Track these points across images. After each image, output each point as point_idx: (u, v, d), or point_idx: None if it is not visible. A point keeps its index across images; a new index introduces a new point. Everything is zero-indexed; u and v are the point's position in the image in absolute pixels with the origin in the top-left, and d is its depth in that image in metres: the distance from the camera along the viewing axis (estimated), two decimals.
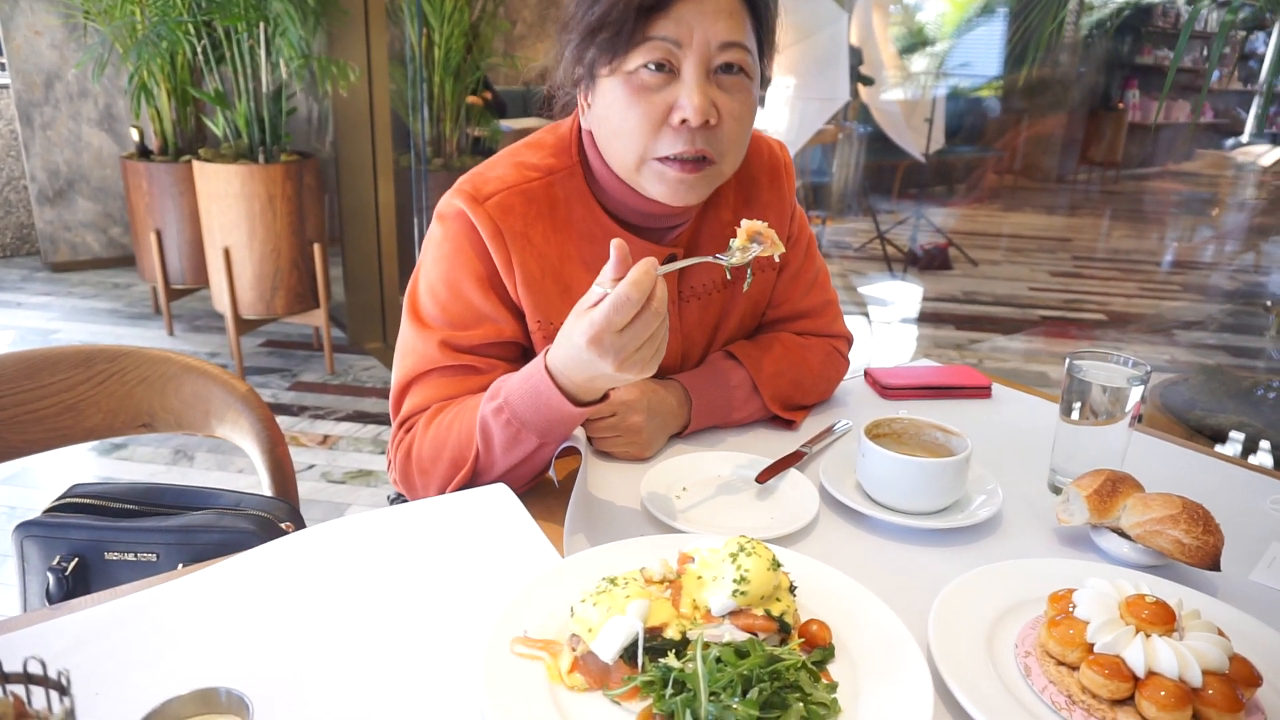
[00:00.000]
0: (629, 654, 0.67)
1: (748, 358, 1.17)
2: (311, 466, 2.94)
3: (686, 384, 1.14)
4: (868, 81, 5.70)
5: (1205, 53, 9.51)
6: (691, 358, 1.21)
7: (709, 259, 0.89)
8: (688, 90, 0.92)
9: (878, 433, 1.00)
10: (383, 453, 3.05)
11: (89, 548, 0.98)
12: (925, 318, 4.91)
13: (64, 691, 0.46)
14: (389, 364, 3.85)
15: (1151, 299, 5.40)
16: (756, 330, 1.28)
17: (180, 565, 0.97)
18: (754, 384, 1.16)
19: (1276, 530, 0.95)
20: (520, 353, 1.08)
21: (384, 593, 0.80)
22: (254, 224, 3.42)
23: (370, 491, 2.81)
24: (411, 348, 1.03)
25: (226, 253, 3.45)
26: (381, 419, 3.31)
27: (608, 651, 0.67)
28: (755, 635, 0.68)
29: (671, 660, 0.65)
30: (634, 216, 1.07)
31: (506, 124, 4.86)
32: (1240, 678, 0.64)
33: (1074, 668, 0.67)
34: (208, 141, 4.18)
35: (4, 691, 0.48)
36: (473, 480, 0.96)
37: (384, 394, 3.54)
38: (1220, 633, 0.67)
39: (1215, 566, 0.81)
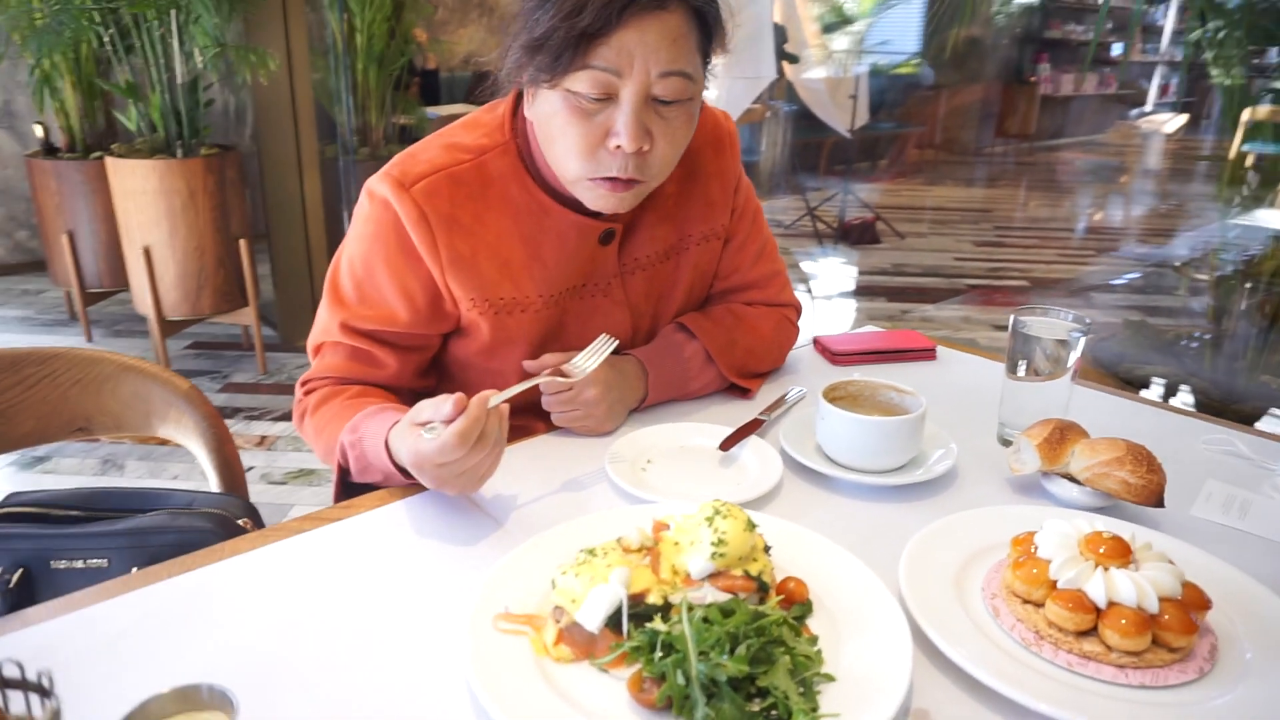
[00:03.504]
0: (613, 622, 0.68)
1: (700, 329, 1.19)
2: (250, 469, 2.86)
3: (641, 358, 1.15)
4: (793, 59, 5.77)
5: (1111, 26, 9.89)
6: (641, 330, 1.21)
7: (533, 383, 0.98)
8: (624, 119, 0.93)
9: (834, 396, 1.02)
10: None
11: (33, 557, 0.94)
12: (857, 290, 5.01)
13: (46, 693, 0.44)
14: None
15: (1070, 264, 5.61)
16: (706, 302, 1.29)
17: (134, 569, 0.93)
18: (708, 354, 1.18)
19: (1210, 468, 1.00)
20: (416, 341, 1.09)
21: (366, 585, 0.79)
22: (175, 221, 3.29)
23: (313, 491, 2.74)
24: (321, 315, 1.09)
25: (147, 252, 3.31)
26: None
27: (593, 620, 0.67)
28: (736, 595, 0.69)
29: (658, 624, 0.66)
30: (570, 195, 1.07)
31: (434, 111, 4.77)
32: (1192, 602, 0.68)
33: (1039, 605, 0.70)
34: (119, 136, 3.99)
35: None
36: (339, 481, 1.01)
37: None
38: (1170, 563, 0.71)
39: (1159, 503, 0.85)
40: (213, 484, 1.21)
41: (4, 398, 1.15)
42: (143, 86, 3.43)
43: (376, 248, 1.04)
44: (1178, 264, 5.02)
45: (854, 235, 5.81)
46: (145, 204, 3.27)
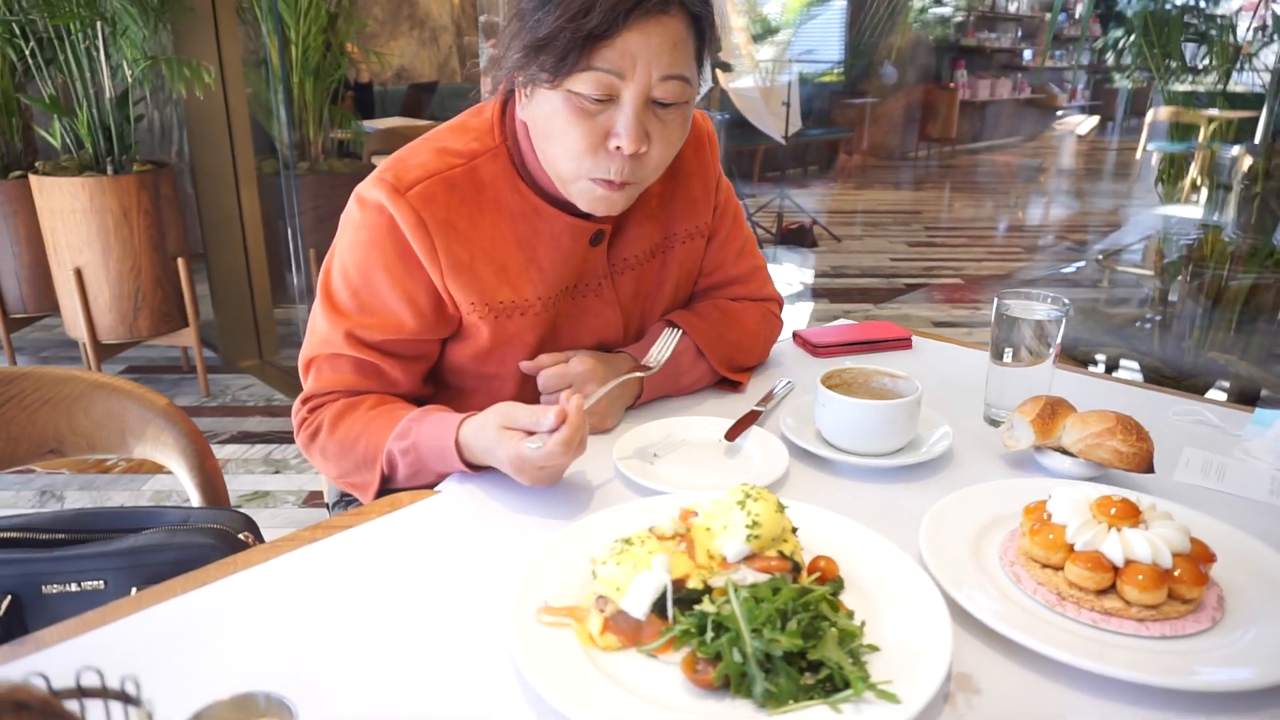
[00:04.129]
0: (657, 608, 0.68)
1: (689, 325, 1.20)
2: None
3: (633, 353, 1.16)
4: (726, 68, 5.86)
5: (1020, 34, 10.32)
6: (631, 328, 1.23)
7: (635, 375, 1.10)
8: (625, 120, 0.94)
9: (831, 383, 1.04)
10: (276, 471, 2.91)
11: (22, 584, 0.89)
12: (800, 294, 5.11)
13: (132, 701, 0.43)
14: (270, 381, 3.66)
15: (999, 260, 5.83)
16: (691, 299, 1.31)
17: (134, 589, 0.90)
18: (698, 349, 1.20)
19: (1185, 438, 1.06)
20: (421, 349, 1.09)
21: (395, 588, 0.78)
22: (108, 240, 3.17)
23: (270, 513, 2.67)
24: (319, 328, 1.06)
25: (79, 273, 3.17)
26: (269, 438, 3.15)
27: (639, 607, 0.67)
28: (774, 575, 0.71)
29: (706, 605, 0.67)
30: (561, 198, 1.08)
31: (370, 124, 4.70)
32: (1199, 556, 0.72)
33: (1058, 568, 0.74)
34: (38, 154, 3.83)
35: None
36: (377, 489, 1.02)
37: (267, 412, 3.36)
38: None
39: (1150, 469, 0.90)
40: (195, 502, 1.18)
41: None
42: (67, 101, 3.30)
43: (374, 255, 1.02)
44: (1100, 256, 5.26)
45: (793, 239, 5.92)
46: (75, 223, 3.14)
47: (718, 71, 5.95)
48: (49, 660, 0.68)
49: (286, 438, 3.14)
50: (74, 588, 0.90)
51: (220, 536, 0.94)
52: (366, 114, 5.38)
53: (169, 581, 0.79)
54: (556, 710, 0.61)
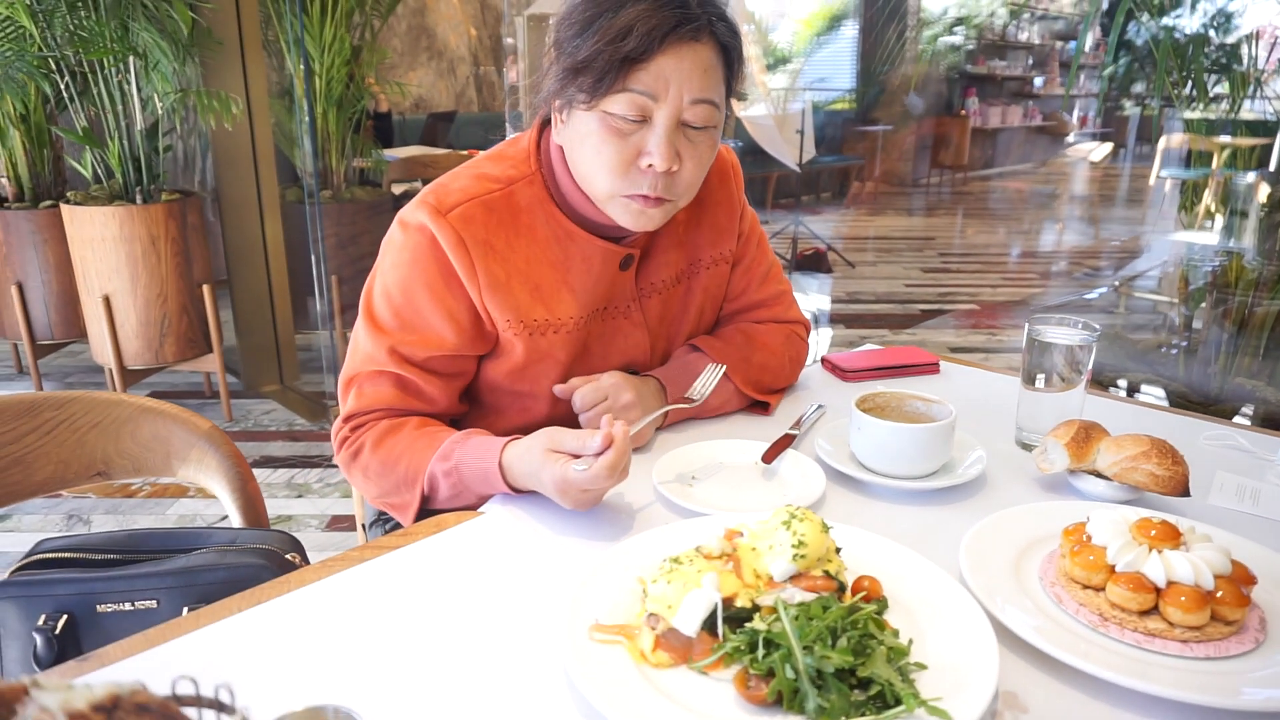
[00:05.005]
0: (709, 625, 0.70)
1: (711, 348, 1.23)
2: (224, 518, 2.78)
3: (659, 376, 1.19)
4: (741, 97, 5.93)
5: (1031, 62, 10.40)
6: (658, 349, 1.26)
7: (680, 405, 1.15)
8: (657, 140, 0.98)
9: (865, 407, 1.06)
10: (299, 495, 2.93)
11: (78, 602, 0.91)
12: (816, 319, 5.13)
13: (227, 709, 0.45)
14: (291, 406, 3.70)
15: (1015, 286, 5.84)
16: (717, 324, 1.34)
17: (185, 609, 0.92)
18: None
19: (1217, 461, 1.07)
20: (460, 365, 1.12)
21: (446, 606, 0.80)
22: (136, 268, 3.22)
23: (299, 537, 2.68)
24: (363, 346, 1.08)
25: (107, 300, 3.23)
26: (291, 462, 3.17)
27: (690, 625, 0.69)
28: (820, 594, 0.72)
29: (757, 623, 0.68)
30: (593, 222, 1.11)
31: (391, 153, 4.77)
32: (1240, 578, 0.73)
33: (1099, 589, 0.75)
34: (69, 184, 3.90)
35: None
36: (417, 510, 1.04)
37: (289, 437, 3.40)
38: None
39: (1185, 493, 0.91)
40: (236, 522, 1.20)
41: (23, 444, 1.13)
42: (99, 133, 3.37)
43: (416, 273, 1.06)
44: (1116, 283, 5.26)
45: (808, 266, 5.95)
46: (105, 252, 3.20)
47: (733, 100, 6.02)
48: (117, 676, 0.70)
49: (309, 462, 3.17)
50: (127, 606, 0.92)
51: (268, 556, 0.96)
52: (386, 143, 5.47)
53: (225, 600, 0.81)
54: None
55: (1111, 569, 0.74)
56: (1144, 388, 2.52)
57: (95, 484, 1.18)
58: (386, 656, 0.72)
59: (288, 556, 0.98)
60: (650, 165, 0.99)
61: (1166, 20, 3.39)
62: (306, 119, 3.79)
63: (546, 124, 1.13)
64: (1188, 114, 3.28)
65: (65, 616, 0.91)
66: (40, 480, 1.14)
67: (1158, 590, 0.72)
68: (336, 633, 0.76)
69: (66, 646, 0.91)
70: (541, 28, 3.52)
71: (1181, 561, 0.72)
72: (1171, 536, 0.75)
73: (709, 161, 1.06)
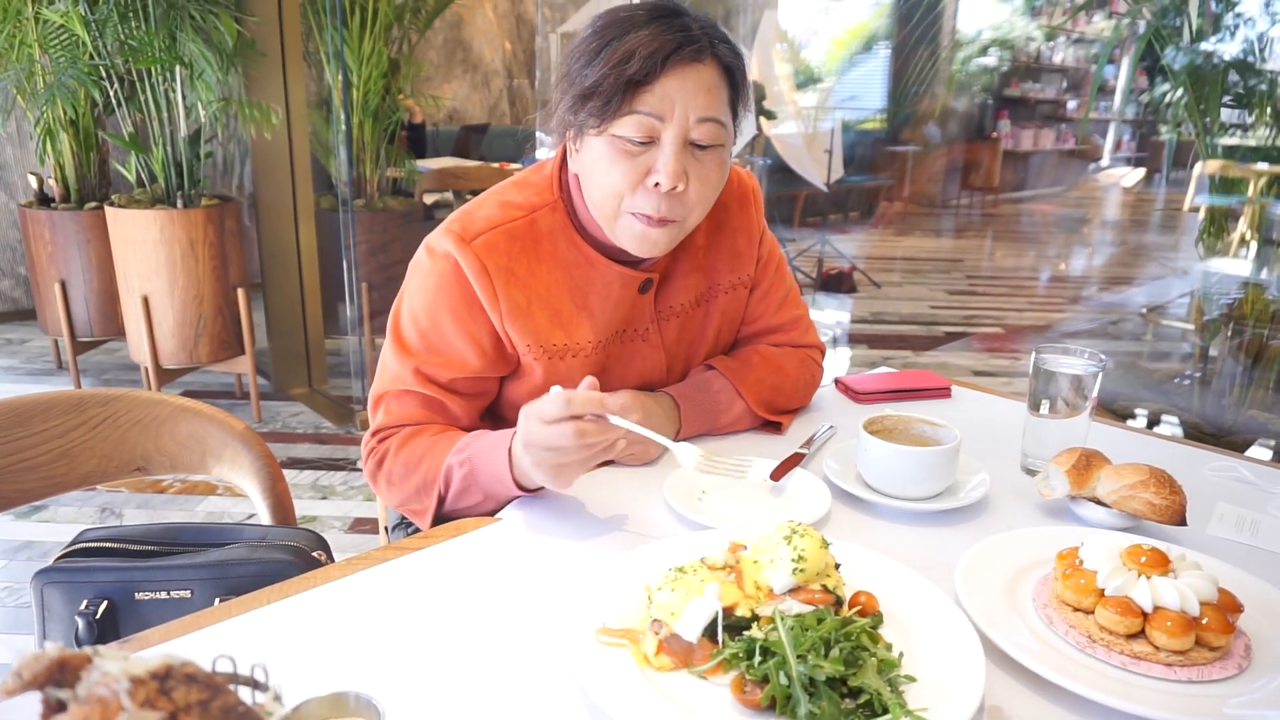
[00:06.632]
0: (709, 632, 0.73)
1: (726, 368, 1.27)
2: (252, 516, 2.86)
3: (673, 393, 1.23)
4: (770, 116, 5.98)
5: (1065, 85, 10.35)
6: (675, 371, 1.29)
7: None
8: (664, 159, 1.02)
9: (873, 429, 1.09)
10: (324, 497, 3.00)
11: (118, 590, 0.97)
12: (840, 339, 5.14)
13: (260, 686, 0.49)
14: (318, 409, 3.78)
15: (1041, 311, 5.81)
16: (734, 346, 1.38)
17: (217, 600, 0.97)
18: (736, 390, 1.25)
19: (1219, 492, 1.09)
20: (483, 386, 1.16)
21: (463, 605, 0.84)
22: (175, 270, 3.32)
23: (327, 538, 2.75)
24: (390, 366, 1.13)
25: (145, 301, 3.33)
26: (317, 464, 3.25)
27: (691, 631, 0.73)
28: (817, 607, 0.76)
29: (754, 632, 0.72)
30: (612, 248, 1.15)
31: (424, 164, 4.87)
32: (1227, 606, 0.76)
33: (1089, 612, 0.78)
34: (114, 187, 4.03)
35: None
36: (434, 511, 1.07)
37: (316, 439, 3.47)
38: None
39: (1182, 522, 0.93)
40: (265, 520, 1.25)
41: (69, 438, 1.19)
42: (145, 138, 3.49)
43: (441, 299, 1.10)
44: (1144, 310, 5.23)
45: (833, 285, 5.97)
46: (145, 253, 3.30)
47: (761, 119, 6.07)
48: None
49: (334, 464, 3.24)
50: (163, 595, 0.97)
51: (296, 553, 1.01)
52: (419, 154, 5.58)
53: (256, 592, 0.85)
54: None
55: (1101, 593, 0.77)
56: (1156, 417, 2.51)
57: (134, 479, 1.24)
58: (405, 649, 0.77)
59: (314, 554, 1.03)
60: (657, 184, 1.03)
61: (1206, 45, 3.39)
62: (343, 129, 3.89)
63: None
64: (1224, 140, 3.27)
65: (106, 602, 0.96)
66: (84, 473, 1.20)
67: (1145, 615, 0.75)
68: (359, 626, 0.80)
69: (106, 630, 0.96)
70: None
71: (1168, 588, 0.75)
72: (1160, 563, 0.77)
73: (716, 182, 1.09)
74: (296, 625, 0.80)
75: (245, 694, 0.50)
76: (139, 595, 0.97)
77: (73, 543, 1.04)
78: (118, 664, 0.40)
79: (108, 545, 1.02)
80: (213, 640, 0.78)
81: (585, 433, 0.89)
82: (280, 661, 0.75)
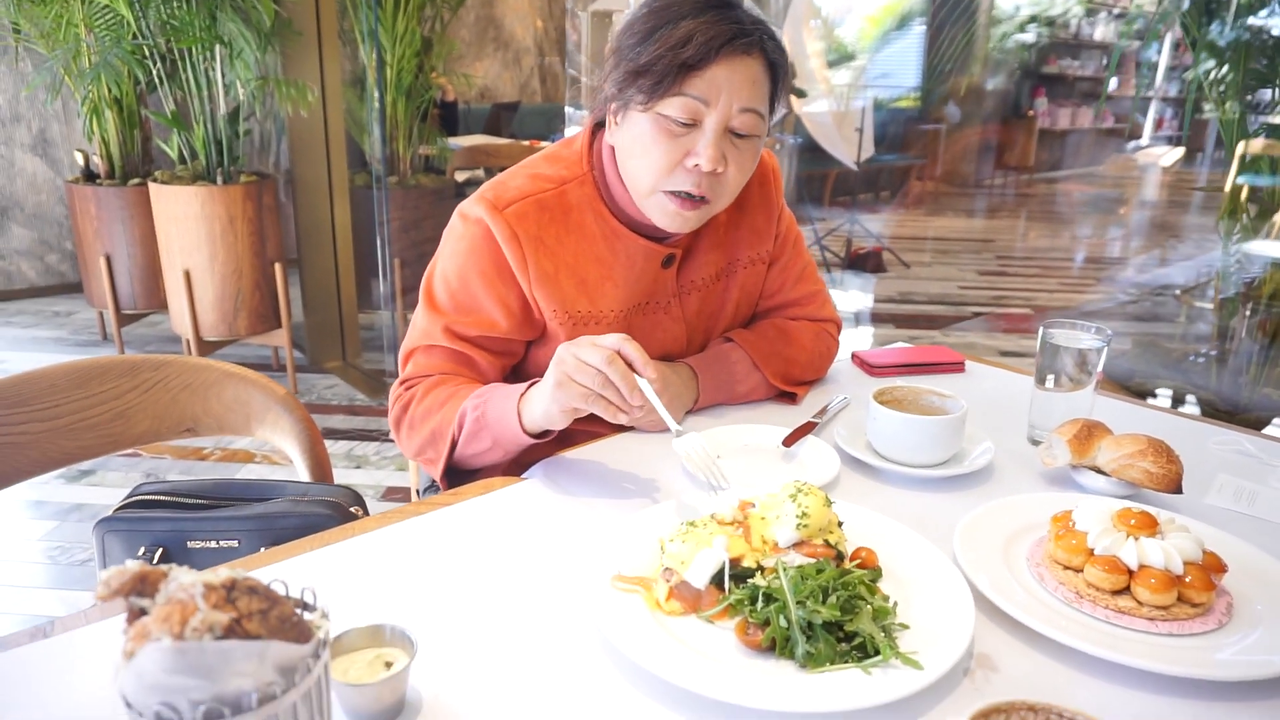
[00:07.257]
0: (716, 581, 0.79)
1: (743, 340, 1.32)
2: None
3: (692, 363, 1.28)
4: (801, 94, 5.95)
5: (1105, 62, 10.14)
6: (695, 344, 1.34)
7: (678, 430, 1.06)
8: (705, 142, 1.07)
9: (883, 399, 1.14)
10: (357, 466, 3.10)
11: (172, 538, 1.05)
12: (866, 318, 5.15)
13: (309, 607, 0.56)
14: (352, 382, 3.88)
15: (1071, 292, 5.76)
16: (752, 320, 1.42)
17: (262, 549, 1.04)
18: (753, 361, 1.30)
19: (1221, 464, 1.12)
20: (510, 346, 1.21)
21: (491, 554, 0.91)
22: (215, 245, 3.43)
23: None
24: (420, 323, 1.19)
25: (187, 275, 3.44)
26: (351, 435, 3.34)
27: (700, 579, 0.78)
28: (818, 559, 0.81)
29: (758, 580, 0.77)
30: (638, 222, 1.20)
31: (455, 142, 4.93)
32: (1211, 566, 0.79)
33: (1079, 570, 0.82)
34: (155, 163, 4.14)
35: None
36: (447, 454, 1.10)
37: (349, 411, 3.57)
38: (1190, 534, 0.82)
39: (1178, 490, 0.97)
40: (305, 480, 1.32)
41: (124, 400, 1.27)
42: (186, 116, 3.58)
43: (472, 262, 1.16)
44: (1178, 291, 5.16)
45: (861, 264, 5.96)
46: (187, 229, 3.41)
47: (792, 97, 6.05)
48: None
49: (367, 435, 3.34)
50: (213, 544, 1.05)
51: (335, 508, 1.08)
52: (451, 131, 5.64)
53: (298, 541, 0.92)
54: (630, 659, 0.72)
55: (1090, 552, 0.81)
56: (1180, 396, 2.51)
57: (184, 439, 1.31)
58: (436, 591, 0.83)
59: (351, 509, 1.10)
60: (696, 165, 1.08)
61: (1254, 20, 3.33)
62: (377, 107, 3.96)
63: (598, 128, 1.22)
64: (1272, 119, 3.22)
65: (161, 549, 1.04)
66: (139, 433, 1.29)
67: (1130, 572, 0.79)
68: (394, 571, 0.87)
69: None
70: (604, 24, 3.61)
71: (1154, 547, 0.79)
72: (1149, 525, 0.81)
73: (750, 169, 1.14)
74: (336, 570, 0.87)
75: (297, 611, 0.57)
76: (191, 544, 1.05)
77: (130, 495, 1.12)
78: (191, 576, 0.46)
79: (162, 498, 1.10)
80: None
81: (614, 361, 0.94)
82: (321, 601, 0.82)
